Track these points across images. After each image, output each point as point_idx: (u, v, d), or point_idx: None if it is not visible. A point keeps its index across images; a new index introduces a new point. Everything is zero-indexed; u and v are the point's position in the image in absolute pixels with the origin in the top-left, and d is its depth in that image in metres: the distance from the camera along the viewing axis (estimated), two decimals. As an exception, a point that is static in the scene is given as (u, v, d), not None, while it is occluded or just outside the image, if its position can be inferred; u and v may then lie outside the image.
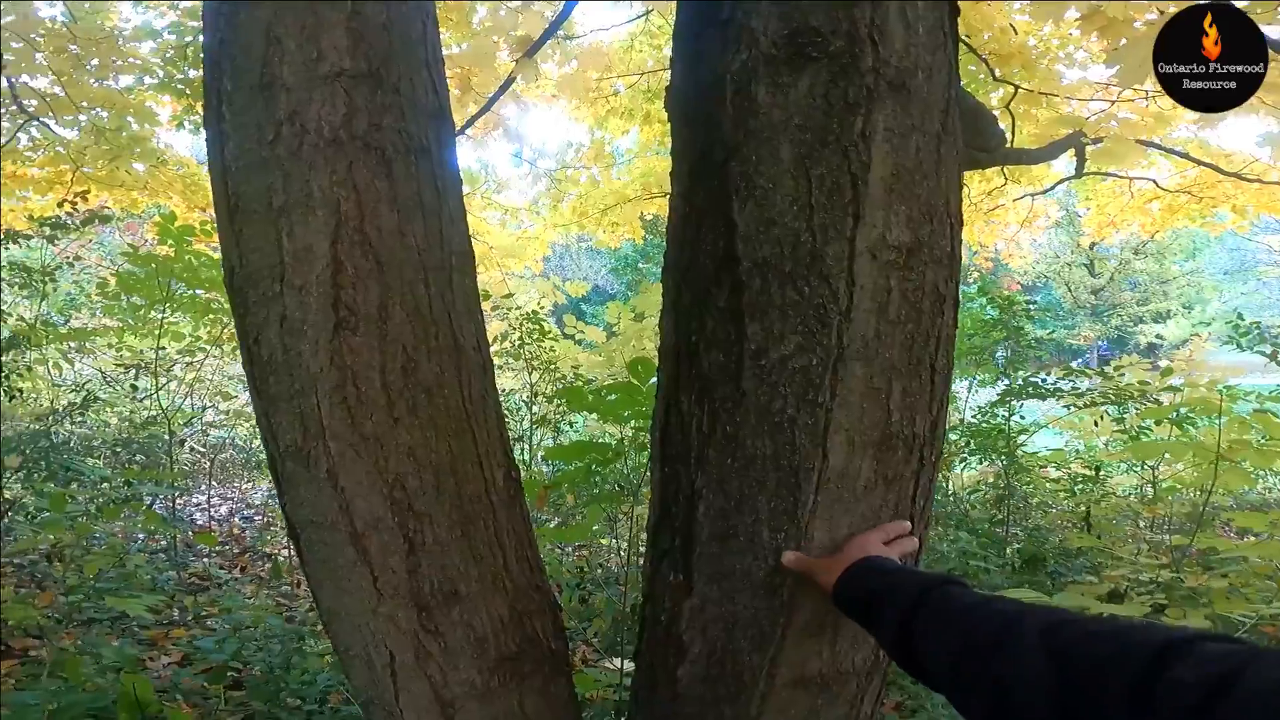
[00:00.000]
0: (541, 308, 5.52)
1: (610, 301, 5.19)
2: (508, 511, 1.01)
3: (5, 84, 4.23)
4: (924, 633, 0.73)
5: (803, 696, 0.98)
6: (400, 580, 0.92)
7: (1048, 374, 3.93)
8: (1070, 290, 24.34)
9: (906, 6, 0.87)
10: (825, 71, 0.85)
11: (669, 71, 1.05)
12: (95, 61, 4.19)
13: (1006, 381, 3.85)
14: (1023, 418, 3.84)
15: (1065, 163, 4.23)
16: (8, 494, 4.20)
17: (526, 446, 5.15)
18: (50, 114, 4.42)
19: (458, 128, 3.78)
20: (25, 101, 4.39)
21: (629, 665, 2.37)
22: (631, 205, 5.90)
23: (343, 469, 0.88)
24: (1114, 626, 0.57)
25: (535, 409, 4.97)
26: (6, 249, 4.31)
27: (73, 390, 4.98)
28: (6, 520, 3.99)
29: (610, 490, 2.60)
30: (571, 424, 4.84)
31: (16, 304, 5.02)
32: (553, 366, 5.01)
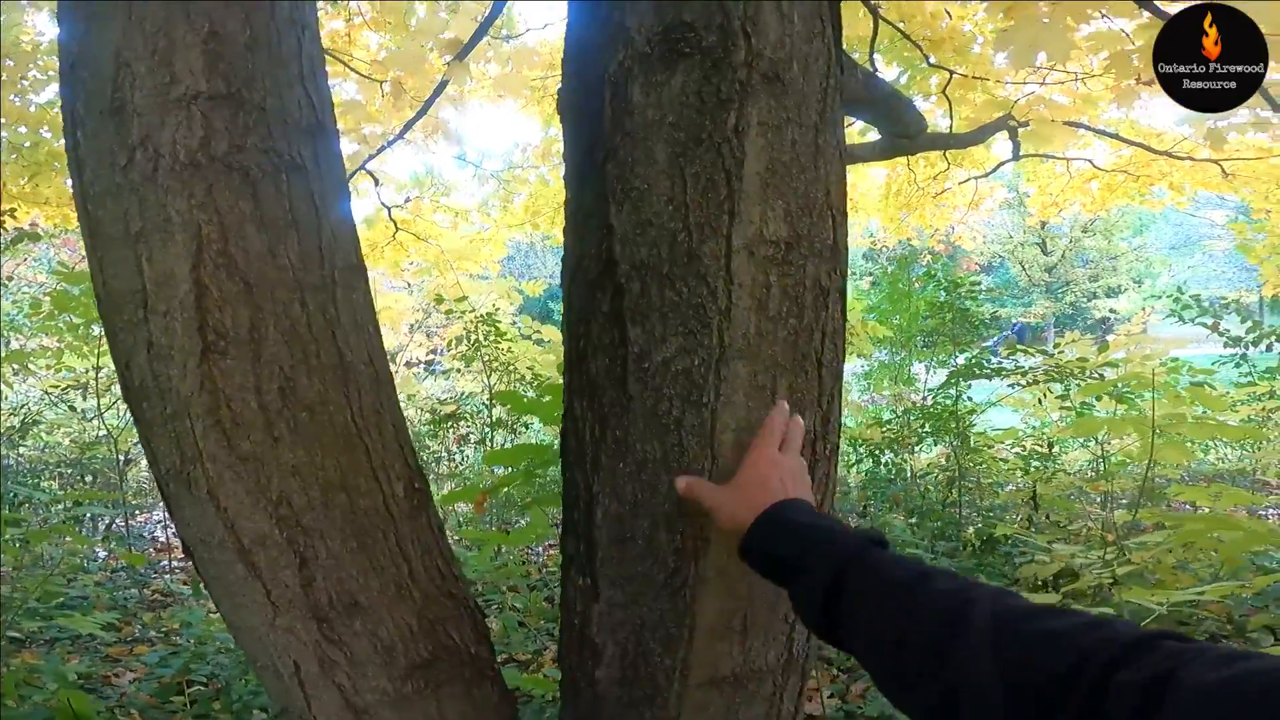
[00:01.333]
0: (496, 309, 5.47)
1: (569, 300, 5.14)
2: (411, 522, 1.00)
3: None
4: (852, 614, 0.66)
5: (718, 696, 0.98)
6: (295, 594, 0.91)
7: (998, 352, 4.00)
8: (1024, 269, 24.87)
9: (782, -3, 0.86)
10: (698, 68, 0.85)
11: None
12: (4, 77, 4.06)
13: (958, 362, 3.91)
14: (970, 399, 3.90)
15: (1006, 144, 4.30)
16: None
17: (488, 449, 5.10)
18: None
19: (397, 132, 3.73)
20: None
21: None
22: (586, 203, 5.80)
23: (222, 489, 0.87)
24: (1073, 626, 0.52)
25: (496, 412, 4.93)
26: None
27: (13, 414, 4.83)
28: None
29: (554, 492, 2.58)
30: (528, 425, 4.81)
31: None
32: (511, 368, 4.97)
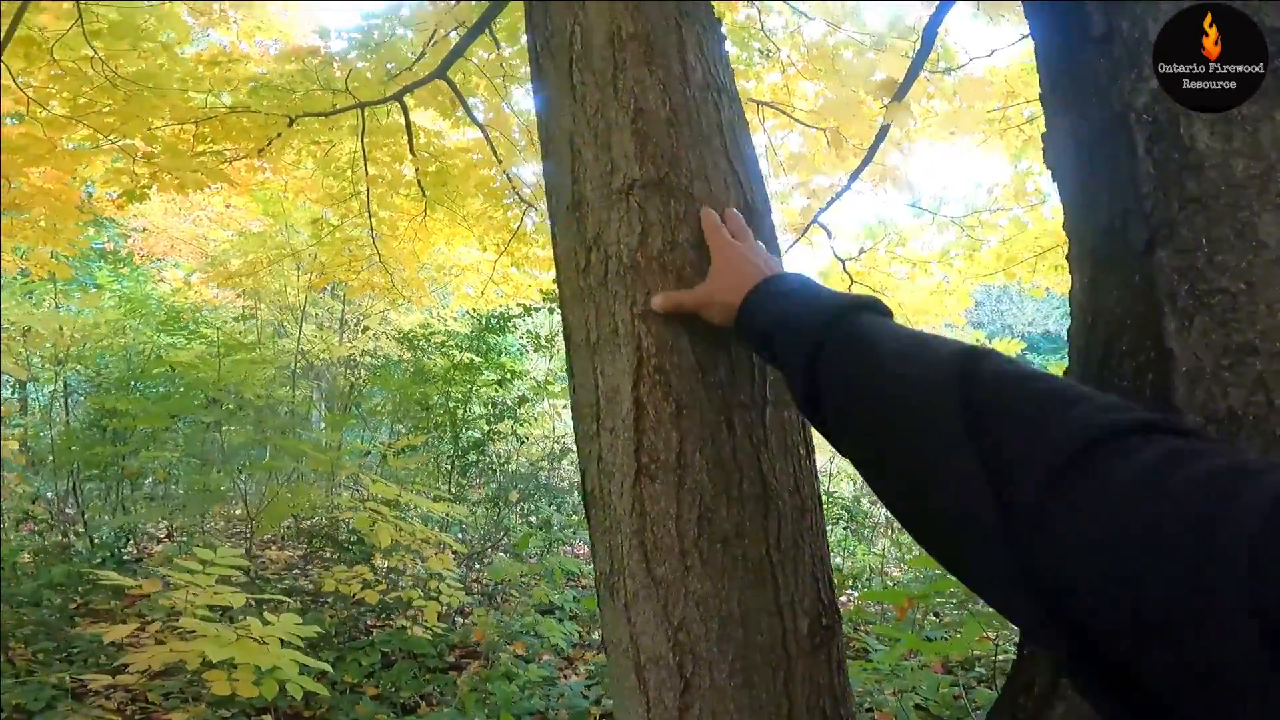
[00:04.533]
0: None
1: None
2: (808, 659, 0.87)
3: (505, 176, 5.34)
4: (828, 383, 0.57)
5: None
6: (670, 716, 0.85)
7: None
8: None
9: None
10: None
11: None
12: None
13: None
14: None
15: None
16: (507, 523, 5.38)
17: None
18: (538, 200, 5.39)
19: (844, 183, 3.62)
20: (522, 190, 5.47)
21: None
22: (1078, 243, 4.82)
23: (635, 606, 0.85)
24: (1053, 394, 0.41)
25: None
26: (525, 319, 5.58)
27: (554, 441, 6.15)
28: (493, 547, 5.05)
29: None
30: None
31: (538, 364, 6.48)
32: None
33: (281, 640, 2.37)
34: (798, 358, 0.59)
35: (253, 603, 2.72)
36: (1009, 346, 5.13)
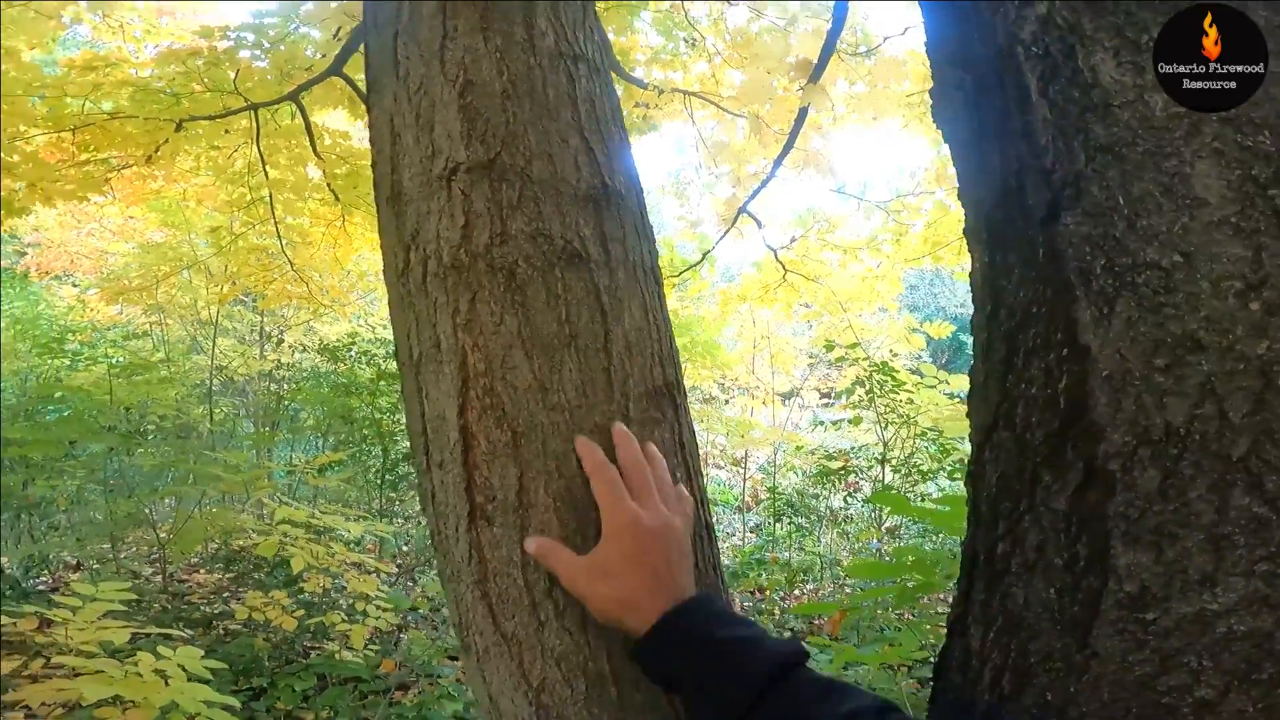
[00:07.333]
0: (894, 354, 4.91)
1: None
2: None
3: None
4: None
5: None
6: None
7: None
8: None
9: None
10: None
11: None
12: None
13: None
14: None
15: None
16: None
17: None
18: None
19: (770, 170, 3.53)
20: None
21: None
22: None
23: (488, 664, 0.72)
24: None
25: (888, 477, 4.40)
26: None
27: None
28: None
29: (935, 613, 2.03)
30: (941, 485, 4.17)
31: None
32: (911, 421, 4.39)
33: (188, 674, 2.16)
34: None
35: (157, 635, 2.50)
36: (941, 330, 5.15)
